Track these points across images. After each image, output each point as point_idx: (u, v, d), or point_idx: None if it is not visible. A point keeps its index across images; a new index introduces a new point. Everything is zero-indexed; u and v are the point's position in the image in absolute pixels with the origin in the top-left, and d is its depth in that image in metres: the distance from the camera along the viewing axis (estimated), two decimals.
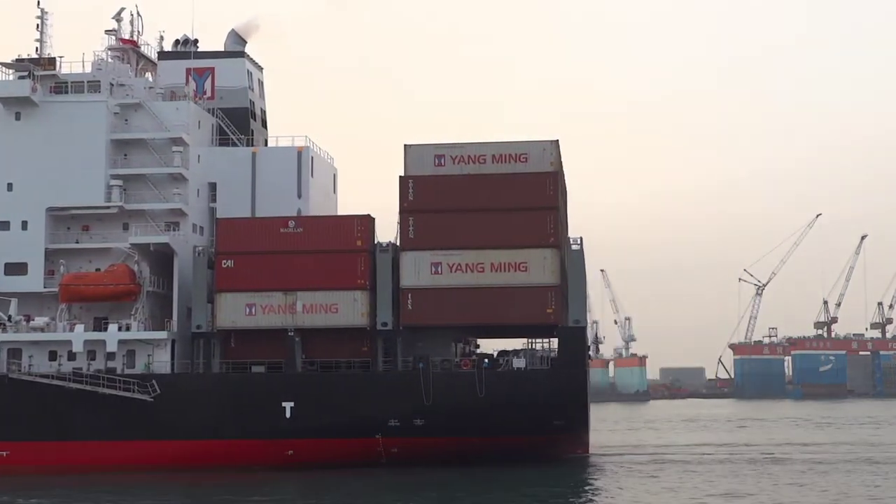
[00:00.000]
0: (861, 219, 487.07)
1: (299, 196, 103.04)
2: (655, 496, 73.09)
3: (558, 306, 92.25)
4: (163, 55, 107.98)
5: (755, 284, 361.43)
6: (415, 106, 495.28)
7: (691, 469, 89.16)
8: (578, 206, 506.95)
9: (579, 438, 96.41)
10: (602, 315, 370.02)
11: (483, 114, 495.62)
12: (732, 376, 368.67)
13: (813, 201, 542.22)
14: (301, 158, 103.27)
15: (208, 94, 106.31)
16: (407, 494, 78.30)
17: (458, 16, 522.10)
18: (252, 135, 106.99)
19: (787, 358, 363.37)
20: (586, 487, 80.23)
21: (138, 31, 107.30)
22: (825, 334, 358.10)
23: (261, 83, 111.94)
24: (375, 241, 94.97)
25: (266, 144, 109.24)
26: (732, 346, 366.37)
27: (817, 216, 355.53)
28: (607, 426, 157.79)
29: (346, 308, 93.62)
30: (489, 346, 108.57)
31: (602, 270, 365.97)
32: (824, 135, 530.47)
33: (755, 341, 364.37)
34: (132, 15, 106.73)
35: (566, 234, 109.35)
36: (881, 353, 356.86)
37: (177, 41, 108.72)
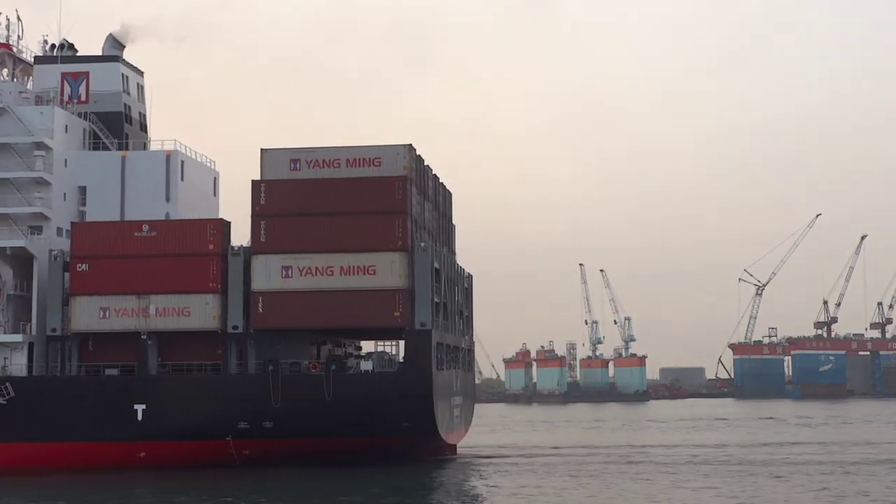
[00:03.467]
0: (861, 219, 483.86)
1: (167, 199, 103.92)
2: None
3: (406, 309, 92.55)
4: (39, 59, 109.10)
5: (755, 284, 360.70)
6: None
7: (541, 468, 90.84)
8: (578, 206, 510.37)
9: (434, 440, 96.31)
10: (602, 315, 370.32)
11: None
12: (732, 376, 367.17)
13: (813, 201, 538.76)
14: (170, 162, 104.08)
15: (83, 97, 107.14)
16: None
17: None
18: (127, 139, 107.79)
19: (786, 358, 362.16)
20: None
21: (18, 35, 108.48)
22: (825, 334, 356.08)
23: (140, 87, 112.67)
24: (230, 245, 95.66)
25: (145, 148, 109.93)
26: (732, 346, 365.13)
27: (817, 216, 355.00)
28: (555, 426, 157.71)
29: (197, 311, 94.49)
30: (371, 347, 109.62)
31: (602, 271, 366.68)
32: (824, 134, 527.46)
33: (755, 341, 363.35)
34: (8, 19, 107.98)
35: (446, 236, 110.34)
36: (881, 353, 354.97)
37: (53, 45, 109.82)
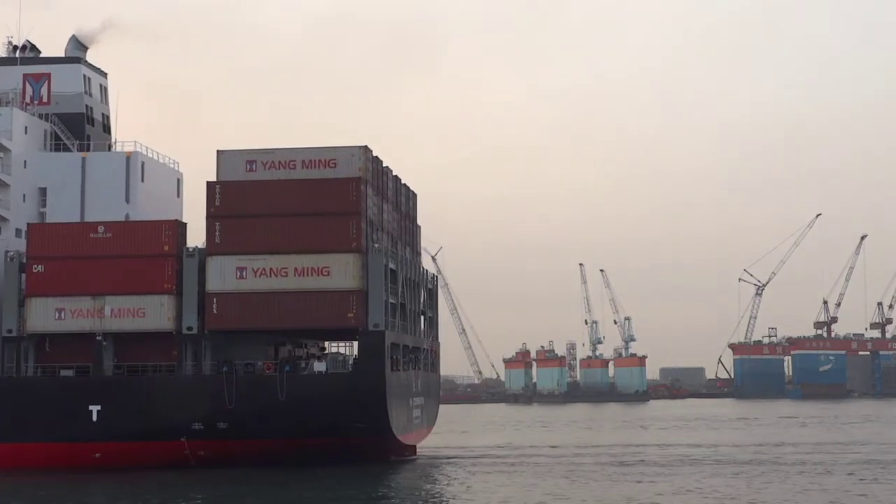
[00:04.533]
0: (861, 219, 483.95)
1: (127, 201, 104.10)
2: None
3: (359, 310, 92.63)
4: (0, 61, 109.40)
5: (755, 284, 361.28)
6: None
7: (489, 469, 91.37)
8: (578, 206, 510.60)
9: (388, 440, 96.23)
10: (602, 315, 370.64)
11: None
12: (732, 376, 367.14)
13: (813, 201, 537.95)
14: (130, 163, 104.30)
15: (45, 99, 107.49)
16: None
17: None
18: (89, 140, 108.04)
19: (786, 358, 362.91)
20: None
21: None
22: (825, 334, 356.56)
23: (103, 89, 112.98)
24: (185, 247, 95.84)
25: (109, 150, 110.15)
26: (732, 346, 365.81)
27: (817, 216, 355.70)
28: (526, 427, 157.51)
29: (152, 312, 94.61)
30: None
31: (602, 270, 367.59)
32: (825, 134, 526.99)
33: (755, 341, 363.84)
34: None
35: (409, 238, 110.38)
36: (881, 353, 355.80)
37: (15, 47, 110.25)
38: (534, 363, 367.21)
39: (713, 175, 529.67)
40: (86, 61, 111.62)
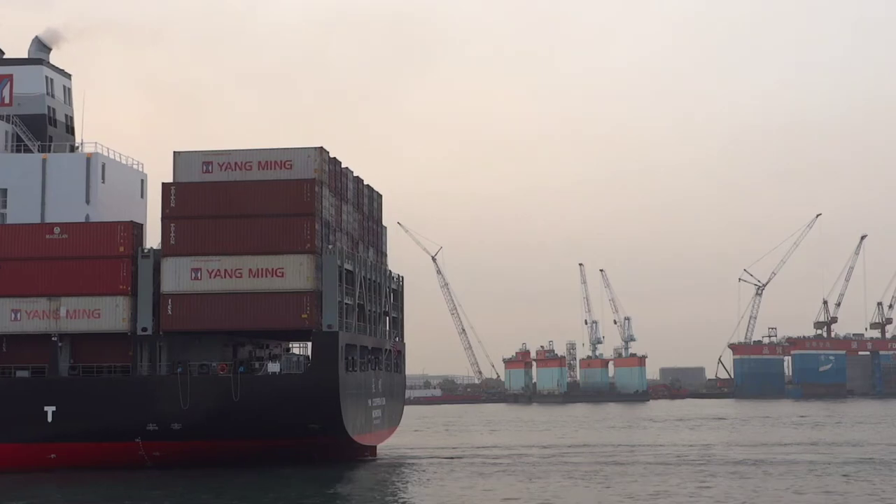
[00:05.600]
0: (861, 219, 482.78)
1: (88, 202, 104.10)
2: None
3: (313, 311, 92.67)
4: None
5: (755, 284, 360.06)
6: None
7: (450, 468, 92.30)
8: (578, 206, 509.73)
9: (343, 441, 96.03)
10: (602, 315, 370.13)
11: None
12: (732, 376, 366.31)
13: (813, 201, 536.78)
14: (90, 164, 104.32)
15: (7, 100, 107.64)
16: None
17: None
18: (51, 141, 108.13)
19: (786, 358, 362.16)
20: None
21: None
22: (825, 334, 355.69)
23: (67, 90, 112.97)
24: (141, 248, 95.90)
25: (72, 151, 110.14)
26: (732, 346, 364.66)
27: (817, 216, 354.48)
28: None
29: (108, 313, 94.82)
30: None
31: (601, 270, 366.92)
32: (825, 134, 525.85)
33: (755, 341, 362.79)
34: None
35: (373, 238, 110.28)
36: (881, 353, 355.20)
37: None
38: (534, 363, 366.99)
39: (713, 174, 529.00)
40: (48, 62, 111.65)
